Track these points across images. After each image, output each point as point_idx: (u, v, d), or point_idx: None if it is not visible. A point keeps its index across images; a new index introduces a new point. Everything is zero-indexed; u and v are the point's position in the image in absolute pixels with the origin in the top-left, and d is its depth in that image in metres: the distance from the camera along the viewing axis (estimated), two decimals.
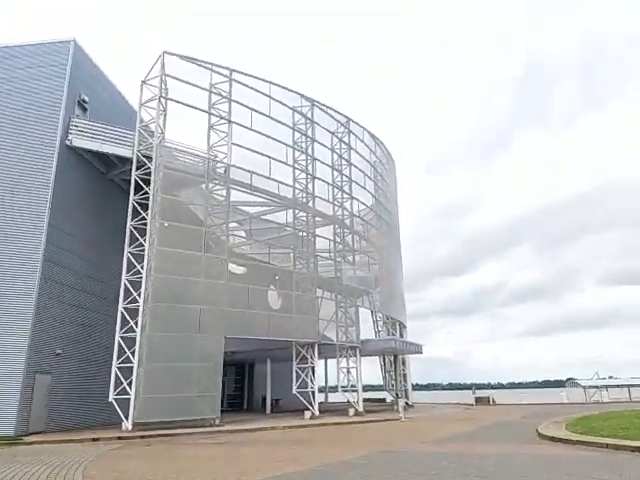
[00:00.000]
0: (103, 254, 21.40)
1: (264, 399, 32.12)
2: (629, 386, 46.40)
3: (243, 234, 28.13)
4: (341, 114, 29.25)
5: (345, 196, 28.95)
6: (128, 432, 17.05)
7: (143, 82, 20.64)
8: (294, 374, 23.85)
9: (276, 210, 25.37)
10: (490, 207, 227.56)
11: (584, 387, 46.39)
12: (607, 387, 45.83)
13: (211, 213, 21.50)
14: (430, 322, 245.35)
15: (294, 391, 23.68)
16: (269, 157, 23.25)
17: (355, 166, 30.03)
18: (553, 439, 12.72)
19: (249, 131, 22.68)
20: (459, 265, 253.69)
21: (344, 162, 29.35)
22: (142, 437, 16.25)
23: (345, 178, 29.18)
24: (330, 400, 43.20)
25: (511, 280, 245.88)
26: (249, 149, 22.34)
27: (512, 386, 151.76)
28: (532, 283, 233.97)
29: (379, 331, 35.49)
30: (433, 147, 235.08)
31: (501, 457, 10.10)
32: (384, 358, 34.25)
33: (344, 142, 29.45)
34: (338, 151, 29.13)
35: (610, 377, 52.11)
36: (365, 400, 51.09)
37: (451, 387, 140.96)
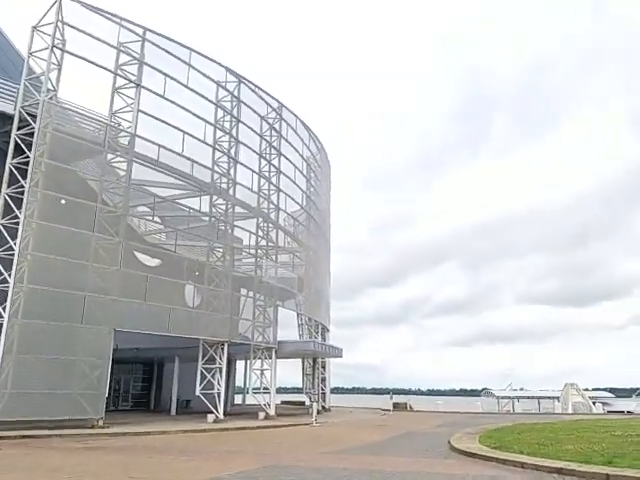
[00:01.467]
0: None
1: (180, 401, 29.50)
2: (539, 398, 48.28)
3: (156, 220, 25.51)
4: (273, 97, 27.31)
5: (272, 188, 27.13)
6: None
7: (34, 28, 17.55)
8: (198, 374, 21.54)
9: (190, 195, 22.98)
10: (421, 224, 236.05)
11: (497, 397, 47.61)
12: (519, 398, 47.36)
13: (108, 188, 18.79)
14: (359, 330, 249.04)
15: (197, 392, 21.39)
16: (183, 132, 20.86)
17: (285, 157, 28.25)
18: (465, 453, 11.74)
19: (162, 102, 20.24)
20: (389, 277, 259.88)
21: (273, 151, 27.53)
22: None
23: (273, 169, 27.37)
24: (250, 402, 40.93)
25: (437, 294, 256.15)
26: (159, 119, 19.85)
27: (431, 393, 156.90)
28: (456, 297, 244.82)
29: (302, 334, 34.08)
30: (371, 162, 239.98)
31: (404, 476, 8.83)
32: (304, 361, 32.76)
33: (275, 129, 27.65)
34: (268, 138, 27.27)
35: (521, 389, 54.22)
36: (286, 403, 49.51)
37: (374, 392, 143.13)
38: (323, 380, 33.90)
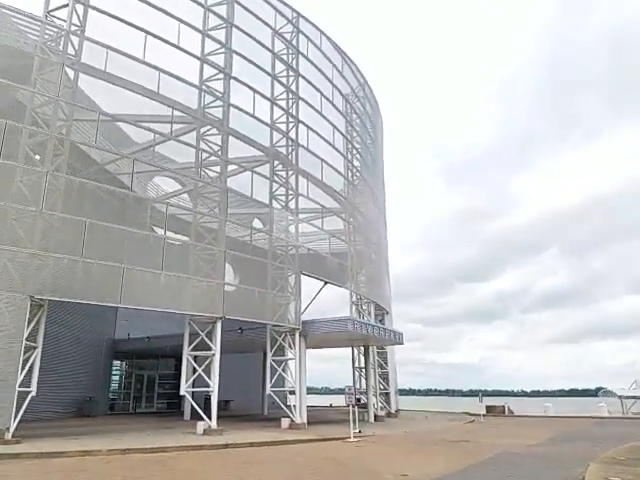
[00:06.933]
0: None
1: (207, 400, 24.00)
2: None
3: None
4: (285, 4, 20.67)
5: (291, 120, 20.52)
6: None
7: None
8: (184, 367, 15.49)
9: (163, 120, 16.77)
10: (515, 212, 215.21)
11: (620, 397, 38.08)
12: None
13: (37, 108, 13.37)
14: (452, 328, 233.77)
15: (182, 392, 15.42)
16: (146, 31, 15.02)
17: (308, 81, 21.42)
18: None
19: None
20: (482, 270, 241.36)
21: (292, 73, 20.88)
22: None
23: (292, 96, 20.74)
24: (312, 404, 34.38)
25: (537, 285, 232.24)
26: (109, 14, 14.16)
27: (536, 394, 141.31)
28: (559, 289, 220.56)
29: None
30: (455, 150, 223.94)
31: None
32: (353, 351, 25.62)
33: (292, 45, 20.97)
34: (285, 57, 20.67)
35: None
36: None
37: (472, 394, 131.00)
38: (385, 377, 26.53)
